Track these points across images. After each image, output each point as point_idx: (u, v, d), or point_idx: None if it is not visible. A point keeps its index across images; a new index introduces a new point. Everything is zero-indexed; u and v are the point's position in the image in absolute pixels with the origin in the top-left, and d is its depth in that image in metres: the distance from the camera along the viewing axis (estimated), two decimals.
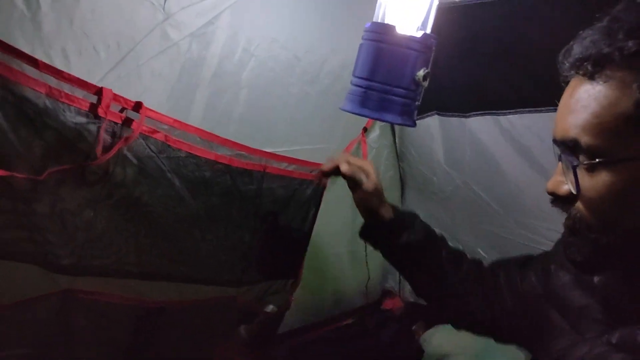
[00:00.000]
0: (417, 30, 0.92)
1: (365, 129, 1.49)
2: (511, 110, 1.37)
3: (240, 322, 1.20)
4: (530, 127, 1.37)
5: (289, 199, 1.28)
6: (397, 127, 1.65)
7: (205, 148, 1.10)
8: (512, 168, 1.45)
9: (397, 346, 1.66)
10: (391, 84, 0.88)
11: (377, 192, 1.06)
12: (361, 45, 0.93)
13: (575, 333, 0.70)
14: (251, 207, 1.20)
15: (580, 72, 0.58)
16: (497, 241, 1.55)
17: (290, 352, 1.48)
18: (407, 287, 1.83)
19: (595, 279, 0.68)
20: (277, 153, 1.23)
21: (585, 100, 0.57)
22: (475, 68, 1.36)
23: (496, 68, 1.34)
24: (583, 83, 0.58)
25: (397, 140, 1.68)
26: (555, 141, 0.63)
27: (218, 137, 1.11)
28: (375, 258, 1.72)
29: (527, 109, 1.35)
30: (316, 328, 1.59)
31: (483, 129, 1.44)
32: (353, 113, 0.92)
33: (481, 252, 1.59)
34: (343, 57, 1.29)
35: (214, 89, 1.11)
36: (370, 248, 1.63)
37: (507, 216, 1.50)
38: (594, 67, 0.56)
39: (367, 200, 1.07)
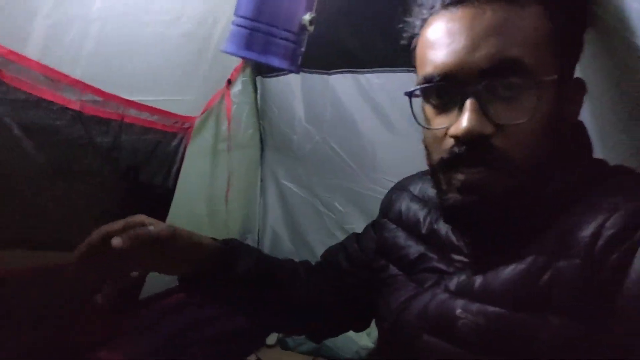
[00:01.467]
0: None
1: (229, 81, 1.42)
2: (369, 70, 1.44)
3: (97, 289, 1.07)
4: (384, 86, 1.46)
5: (150, 153, 1.17)
6: (259, 83, 1.61)
7: (51, 90, 0.93)
8: (367, 126, 1.53)
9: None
10: (278, 26, 0.85)
11: (180, 234, 0.71)
12: None
13: (414, 284, 0.68)
14: (108, 161, 1.07)
15: None
16: (352, 196, 1.63)
17: (151, 318, 1.38)
18: (266, 245, 1.84)
19: (442, 228, 0.67)
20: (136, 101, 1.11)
21: (512, 22, 0.54)
22: (339, 26, 1.39)
23: (357, 27, 1.39)
24: (494, 8, 0.55)
25: (258, 97, 1.64)
26: (458, 76, 0.56)
27: (68, 76, 0.95)
28: (234, 218, 1.70)
29: (383, 69, 1.43)
30: (174, 293, 1.50)
31: (343, 86, 1.50)
32: (237, 55, 0.87)
33: (338, 206, 1.67)
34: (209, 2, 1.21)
35: (56, 19, 0.93)
36: (231, 207, 1.60)
37: (361, 172, 1.59)
38: None
39: (178, 251, 0.71)
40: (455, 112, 0.56)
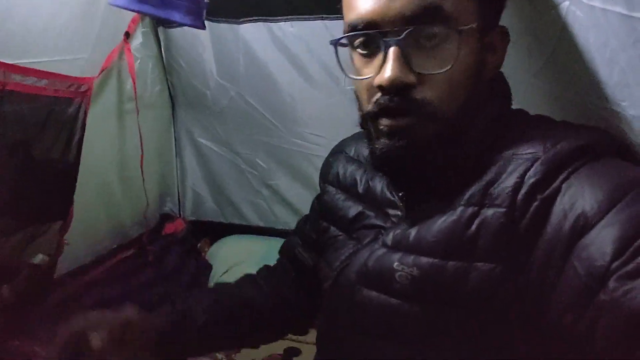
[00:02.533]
0: None
1: (127, 34, 1.28)
2: (282, 18, 1.36)
3: (0, 282, 0.97)
4: (300, 36, 1.39)
5: (42, 123, 1.04)
6: (162, 35, 1.47)
7: None
8: (284, 78, 1.47)
9: (183, 269, 1.62)
10: None
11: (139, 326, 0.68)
12: None
13: (354, 242, 0.69)
14: None
15: None
16: (272, 151, 1.59)
17: (63, 301, 1.28)
18: (188, 207, 1.76)
19: (378, 186, 0.69)
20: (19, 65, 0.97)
21: None
22: None
23: None
24: None
25: (163, 51, 1.51)
26: (381, 24, 0.56)
27: None
28: (151, 182, 1.60)
29: (297, 16, 1.35)
30: (92, 268, 1.41)
31: (256, 37, 1.41)
32: (129, 9, 0.76)
33: (260, 162, 1.62)
34: None
35: None
36: (146, 171, 1.49)
37: (282, 127, 1.54)
38: None
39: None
40: (380, 62, 0.56)
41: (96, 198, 1.40)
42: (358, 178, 0.72)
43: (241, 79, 1.49)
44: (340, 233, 0.73)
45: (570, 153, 0.53)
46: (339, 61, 0.62)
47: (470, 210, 0.56)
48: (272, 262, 1.65)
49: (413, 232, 0.60)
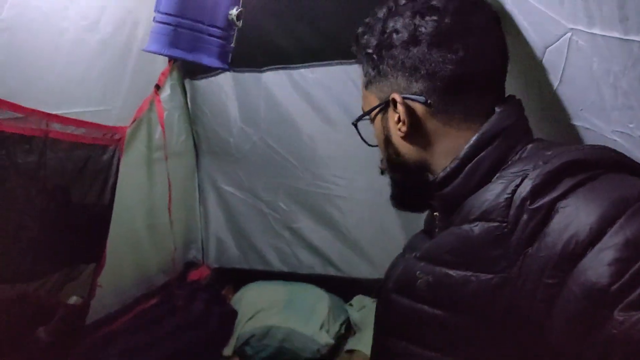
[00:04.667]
0: None
1: (157, 87, 1.35)
2: (303, 65, 1.43)
3: (37, 323, 0.98)
4: (319, 80, 1.45)
5: (80, 169, 1.09)
6: (188, 85, 1.55)
7: None
8: (305, 121, 1.52)
9: (210, 316, 1.61)
10: (204, 21, 0.82)
11: None
12: None
13: (402, 255, 0.80)
14: (34, 183, 0.98)
15: None
16: (295, 194, 1.62)
17: (91, 349, 1.29)
18: (211, 254, 1.78)
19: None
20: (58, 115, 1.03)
21: None
22: (267, 23, 1.36)
23: (286, 23, 1.37)
24: None
25: (189, 102, 1.58)
26: None
27: None
28: (176, 230, 1.63)
29: (316, 63, 1.42)
30: (120, 315, 1.42)
31: (277, 83, 1.47)
32: (161, 54, 0.83)
33: (282, 205, 1.64)
34: (126, 2, 1.14)
35: None
36: (176, 217, 1.53)
37: (303, 169, 1.58)
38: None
39: None
40: None
41: (124, 245, 1.43)
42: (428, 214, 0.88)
43: (263, 124, 1.55)
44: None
45: (560, 168, 0.56)
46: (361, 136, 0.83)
47: (471, 225, 0.61)
48: (296, 306, 1.64)
49: (432, 244, 0.67)
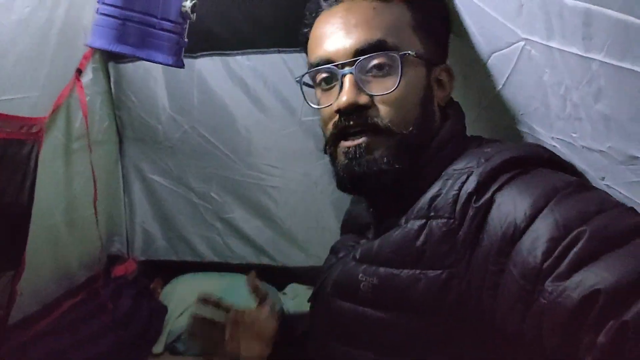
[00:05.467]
0: None
1: (79, 71, 1.22)
2: (239, 52, 1.37)
3: None
4: (256, 69, 1.40)
5: None
6: (112, 70, 1.43)
7: None
8: (240, 110, 1.47)
9: (138, 312, 1.54)
10: (156, 15, 0.75)
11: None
12: None
13: (335, 258, 0.80)
14: None
15: None
16: (228, 184, 1.57)
17: (11, 353, 1.17)
18: (137, 246, 1.68)
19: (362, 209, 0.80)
20: None
21: (378, 13, 0.69)
22: (200, 8, 1.27)
23: (221, 10, 1.31)
24: (363, 4, 0.69)
25: (112, 86, 1.45)
26: (337, 59, 0.68)
27: None
28: (99, 223, 1.51)
29: (253, 50, 1.37)
30: (41, 317, 1.30)
31: (211, 70, 1.41)
32: (109, 50, 0.75)
33: (214, 196, 1.59)
34: None
35: None
36: (98, 210, 1.42)
37: (237, 158, 1.54)
38: None
39: None
40: (338, 91, 0.67)
41: (42, 242, 1.30)
42: (354, 214, 0.85)
43: (195, 112, 1.47)
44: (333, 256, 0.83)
45: (501, 165, 0.60)
46: (304, 95, 0.75)
47: (418, 222, 0.62)
48: (230, 299, 1.63)
49: (375, 245, 0.67)
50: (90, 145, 1.36)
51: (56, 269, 1.38)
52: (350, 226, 0.89)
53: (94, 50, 1.29)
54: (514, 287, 0.52)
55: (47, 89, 1.15)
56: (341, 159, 0.69)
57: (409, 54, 0.67)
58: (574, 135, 0.64)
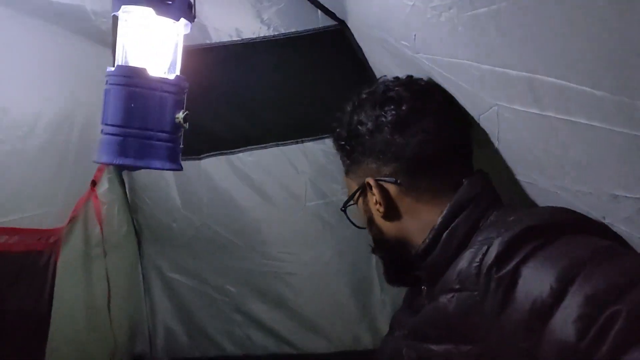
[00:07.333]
0: (168, 72, 0.90)
1: (94, 183, 1.32)
2: (240, 149, 1.46)
3: None
4: (258, 163, 1.49)
5: (14, 278, 1.03)
6: (126, 177, 1.53)
7: None
8: (247, 202, 1.53)
9: None
10: (152, 129, 0.83)
11: None
12: (107, 90, 0.84)
13: (390, 334, 0.85)
14: None
15: None
16: (243, 275, 1.60)
17: None
18: (160, 346, 1.69)
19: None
20: None
21: None
22: (203, 113, 1.39)
23: (221, 111, 1.41)
24: None
25: (128, 192, 1.55)
26: None
27: None
28: (121, 324, 1.55)
29: (253, 147, 1.46)
30: None
31: (216, 169, 1.49)
32: (112, 164, 0.83)
33: (231, 288, 1.62)
34: (61, 107, 1.14)
35: None
36: (115, 314, 1.45)
37: (249, 248, 1.58)
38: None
39: None
40: None
41: (65, 348, 1.34)
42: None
43: (205, 208, 1.54)
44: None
45: (521, 233, 0.60)
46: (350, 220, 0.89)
47: (447, 296, 0.63)
48: None
49: (415, 320, 0.71)
50: (111, 249, 1.43)
51: None
52: (404, 300, 0.94)
53: None
54: None
55: (67, 203, 1.24)
56: None
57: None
58: (566, 181, 0.67)
